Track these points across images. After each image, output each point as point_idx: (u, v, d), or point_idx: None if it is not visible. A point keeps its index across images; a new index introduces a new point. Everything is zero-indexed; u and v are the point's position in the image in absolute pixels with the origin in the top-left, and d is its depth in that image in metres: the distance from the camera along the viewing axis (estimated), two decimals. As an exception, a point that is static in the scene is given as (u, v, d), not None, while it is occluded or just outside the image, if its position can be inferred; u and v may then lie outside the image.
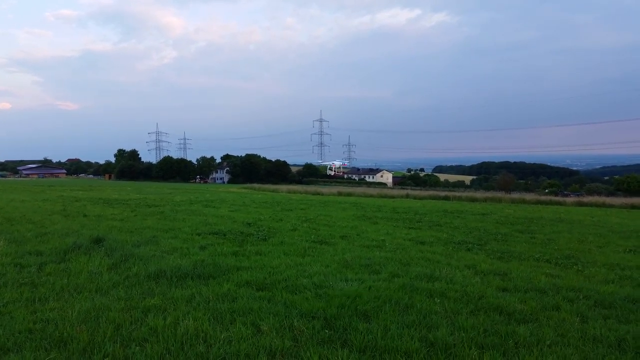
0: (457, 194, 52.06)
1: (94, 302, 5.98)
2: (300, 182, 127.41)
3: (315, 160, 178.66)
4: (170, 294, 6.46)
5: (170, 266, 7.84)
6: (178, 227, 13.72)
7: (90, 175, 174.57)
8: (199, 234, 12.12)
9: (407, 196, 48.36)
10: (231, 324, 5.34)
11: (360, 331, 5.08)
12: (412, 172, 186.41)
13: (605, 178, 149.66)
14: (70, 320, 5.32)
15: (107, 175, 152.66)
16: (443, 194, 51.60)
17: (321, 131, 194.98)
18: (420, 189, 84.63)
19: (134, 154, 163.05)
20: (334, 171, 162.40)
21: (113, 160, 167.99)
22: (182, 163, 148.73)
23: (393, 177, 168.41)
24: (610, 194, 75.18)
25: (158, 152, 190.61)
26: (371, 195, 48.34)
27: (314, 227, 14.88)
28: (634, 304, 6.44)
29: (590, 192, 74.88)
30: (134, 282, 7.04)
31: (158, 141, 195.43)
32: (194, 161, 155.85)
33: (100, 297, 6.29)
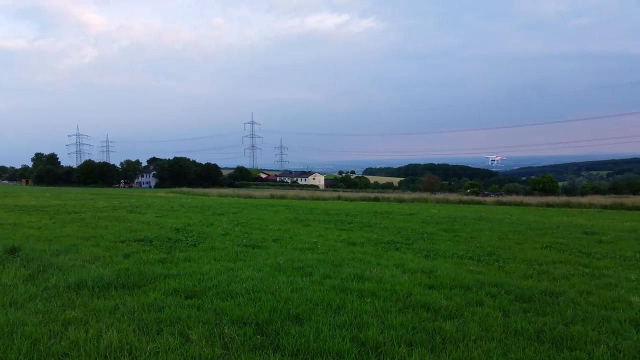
0: (386, 195, 53.50)
1: (8, 317, 5.53)
2: (232, 186, 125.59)
3: (247, 163, 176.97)
4: (93, 305, 6.12)
5: (92, 276, 7.43)
6: (100, 234, 13.05)
7: (6, 181, 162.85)
8: (122, 242, 11.58)
9: (339, 198, 49.04)
10: (158, 334, 5.13)
11: (292, 335, 5.05)
12: (344, 175, 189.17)
13: (523, 178, 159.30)
14: (-23, 340, 4.89)
15: (24, 181, 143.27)
16: (373, 195, 52.85)
17: (252, 134, 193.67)
18: (352, 191, 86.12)
19: (52, 158, 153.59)
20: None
21: (30, 164, 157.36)
22: (105, 167, 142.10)
23: (325, 179, 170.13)
24: (527, 193, 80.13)
25: (79, 155, 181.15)
26: (303, 198, 48.56)
27: (246, 231, 14.69)
28: (551, 297, 6.86)
29: (509, 192, 79.53)
30: (52, 294, 6.60)
31: (79, 144, 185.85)
32: (118, 165, 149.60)
33: (15, 311, 5.84)
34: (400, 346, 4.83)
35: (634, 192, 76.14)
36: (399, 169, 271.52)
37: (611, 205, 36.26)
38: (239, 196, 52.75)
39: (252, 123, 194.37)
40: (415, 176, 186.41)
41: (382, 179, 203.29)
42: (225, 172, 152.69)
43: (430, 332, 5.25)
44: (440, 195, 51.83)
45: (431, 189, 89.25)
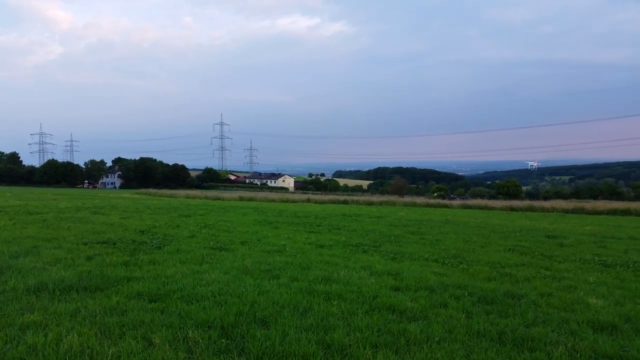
0: (355, 198, 53.84)
1: (-40, 323, 5.32)
2: (200, 187, 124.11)
3: (216, 165, 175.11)
4: (53, 308, 5.94)
5: (53, 278, 7.21)
6: (62, 236, 12.69)
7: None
8: (85, 244, 11.28)
9: (308, 200, 49.07)
10: (120, 338, 5.02)
11: (258, 338, 5.01)
12: (313, 177, 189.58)
13: (488, 182, 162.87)
14: None
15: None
16: (342, 198, 53.12)
17: (222, 135, 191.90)
18: (321, 194, 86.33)
19: (14, 157, 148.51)
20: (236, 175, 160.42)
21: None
22: (69, 167, 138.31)
23: (295, 181, 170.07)
24: (492, 197, 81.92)
25: (42, 154, 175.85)
26: (273, 200, 48.37)
27: (213, 233, 14.52)
28: (513, 299, 7.01)
29: (474, 196, 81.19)
30: (10, 297, 6.37)
31: (42, 143, 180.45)
32: (82, 165, 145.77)
33: (-32, 316, 5.61)
34: (365, 348, 4.85)
35: (595, 197, 78.87)
36: (369, 172, 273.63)
37: (573, 210, 37.41)
38: (207, 198, 52.13)
39: (222, 124, 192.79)
40: (384, 179, 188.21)
41: (352, 182, 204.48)
42: (193, 174, 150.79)
43: (395, 333, 5.29)
44: (408, 199, 52.49)
45: (399, 192, 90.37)
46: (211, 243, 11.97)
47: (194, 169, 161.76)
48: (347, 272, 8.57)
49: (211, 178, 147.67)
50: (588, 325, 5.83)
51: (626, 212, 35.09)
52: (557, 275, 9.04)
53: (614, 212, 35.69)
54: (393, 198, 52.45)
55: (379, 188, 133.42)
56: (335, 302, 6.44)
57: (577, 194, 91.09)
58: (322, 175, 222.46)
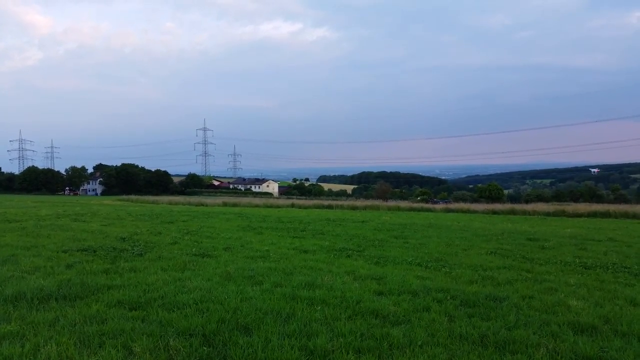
0: (339, 202, 53.87)
1: None
2: (183, 193, 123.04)
3: (200, 170, 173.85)
4: (31, 318, 5.82)
5: (31, 287, 7.08)
6: (42, 243, 12.46)
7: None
8: (65, 251, 11.09)
9: (293, 206, 48.97)
10: (100, 347, 4.93)
11: (240, 345, 4.97)
12: (298, 182, 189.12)
13: (470, 186, 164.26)
14: None
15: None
16: (327, 202, 53.13)
17: (205, 140, 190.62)
18: (305, 199, 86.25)
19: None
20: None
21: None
22: (49, 173, 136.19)
23: (279, 186, 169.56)
24: (474, 200, 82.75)
25: (21, 161, 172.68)
26: (257, 205, 48.15)
27: (196, 239, 14.39)
28: (495, 302, 7.06)
29: (457, 200, 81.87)
30: (-14, 308, 6.24)
31: (21, 149, 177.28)
32: (63, 171, 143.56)
33: (-59, 327, 5.47)
34: (348, 353, 4.84)
35: (575, 200, 79.99)
36: (353, 176, 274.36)
37: (554, 213, 37.88)
38: (190, 204, 51.71)
39: (205, 129, 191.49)
40: (368, 184, 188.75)
41: (336, 187, 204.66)
42: (176, 179, 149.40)
43: (379, 338, 5.29)
44: (392, 203, 52.67)
45: (383, 196, 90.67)
46: (194, 250, 11.86)
47: (177, 175, 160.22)
48: (331, 277, 8.55)
49: (194, 184, 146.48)
50: (569, 327, 5.89)
51: (606, 215, 35.66)
52: (539, 278, 9.14)
53: (594, 214, 36.24)
54: (377, 202, 52.60)
55: (363, 192, 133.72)
56: (319, 308, 6.42)
57: (558, 197, 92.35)
58: (307, 180, 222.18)
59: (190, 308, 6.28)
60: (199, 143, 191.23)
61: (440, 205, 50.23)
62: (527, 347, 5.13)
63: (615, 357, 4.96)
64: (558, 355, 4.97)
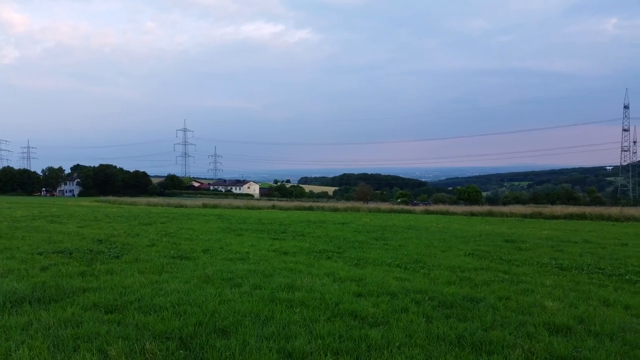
0: (320, 204, 53.87)
1: None
2: (162, 195, 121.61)
3: (179, 172, 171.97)
4: (3, 322, 5.69)
5: (4, 290, 6.92)
6: (16, 245, 12.20)
7: None
8: (40, 254, 10.87)
9: (274, 207, 48.80)
10: (75, 351, 4.84)
11: (217, 348, 4.93)
12: (279, 184, 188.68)
13: (449, 188, 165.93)
14: None
15: None
16: (308, 204, 53.04)
17: (185, 141, 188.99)
18: (287, 200, 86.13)
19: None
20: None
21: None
22: (25, 174, 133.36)
23: (260, 188, 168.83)
24: (453, 202, 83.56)
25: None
26: (237, 207, 47.87)
27: (174, 241, 14.23)
28: (472, 303, 7.13)
29: (437, 201, 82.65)
30: (-45, 313, 6.07)
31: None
32: (39, 172, 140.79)
33: None
34: (326, 355, 4.84)
35: (552, 202, 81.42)
36: (334, 178, 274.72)
37: (531, 214, 38.44)
38: (169, 205, 51.17)
39: (185, 130, 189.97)
40: (350, 186, 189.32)
41: (317, 188, 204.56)
42: (155, 181, 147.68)
43: (357, 340, 5.29)
44: (372, 205, 52.93)
45: (364, 198, 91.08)
46: (172, 252, 11.73)
47: (156, 176, 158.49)
48: (311, 279, 8.54)
49: (174, 185, 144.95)
50: (544, 328, 5.97)
51: (582, 217, 36.32)
52: (515, 279, 9.26)
53: (570, 216, 36.87)
54: (358, 204, 52.81)
55: (344, 194, 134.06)
56: (298, 310, 6.41)
57: (535, 199, 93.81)
58: (288, 181, 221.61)
59: (168, 311, 6.20)
60: (179, 144, 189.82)
61: (420, 207, 50.61)
62: (503, 348, 5.19)
63: (588, 356, 5.04)
64: (533, 355, 5.03)
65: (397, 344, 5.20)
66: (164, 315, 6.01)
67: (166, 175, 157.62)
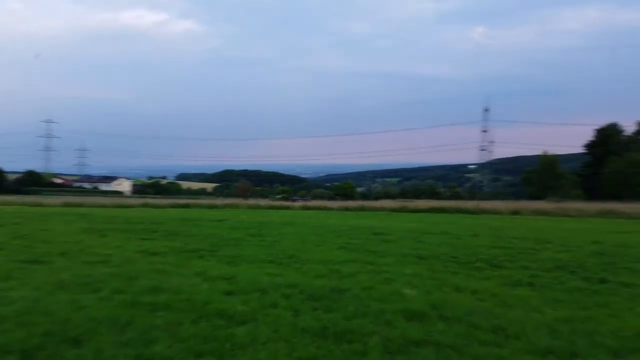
0: (198, 201, 52.51)
1: None
2: (19, 192, 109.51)
3: (41, 167, 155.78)
4: None
5: None
6: None
7: None
8: None
9: (146, 205, 46.41)
10: None
11: (67, 359, 4.54)
12: (154, 180, 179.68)
13: (328, 184, 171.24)
14: None
15: None
16: (184, 202, 51.33)
17: (49, 133, 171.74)
18: (162, 197, 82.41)
19: None
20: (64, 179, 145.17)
21: None
22: None
23: (133, 185, 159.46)
24: (330, 198, 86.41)
25: None
26: (104, 205, 44.64)
27: (27, 244, 12.86)
28: (338, 294, 7.38)
29: (315, 197, 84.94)
30: None
31: None
32: None
33: None
34: (188, 358, 4.70)
35: (418, 197, 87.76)
36: (214, 174, 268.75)
37: (398, 209, 41.13)
38: (24, 204, 46.18)
39: (49, 122, 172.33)
40: (230, 182, 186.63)
41: (196, 185, 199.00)
42: (11, 177, 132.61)
43: (222, 339, 5.21)
44: (252, 201, 52.83)
45: (244, 194, 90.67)
46: (23, 256, 10.59)
47: (14, 172, 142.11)
48: (179, 279, 8.26)
49: (33, 182, 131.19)
50: (401, 315, 6.35)
51: (442, 210, 39.72)
52: (379, 269, 9.78)
53: (432, 210, 40.12)
54: (237, 201, 52.31)
55: (225, 191, 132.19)
56: (161, 313, 6.14)
57: (403, 194, 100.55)
58: (164, 178, 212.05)
59: (10, 322, 5.58)
60: (41, 136, 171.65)
61: (299, 203, 51.55)
62: (362, 336, 5.44)
63: (438, 339, 5.46)
64: (390, 341, 5.34)
65: (262, 340, 5.21)
66: (5, 327, 5.40)
67: (24, 170, 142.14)
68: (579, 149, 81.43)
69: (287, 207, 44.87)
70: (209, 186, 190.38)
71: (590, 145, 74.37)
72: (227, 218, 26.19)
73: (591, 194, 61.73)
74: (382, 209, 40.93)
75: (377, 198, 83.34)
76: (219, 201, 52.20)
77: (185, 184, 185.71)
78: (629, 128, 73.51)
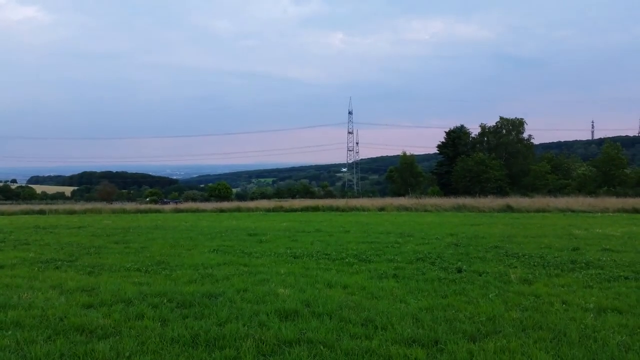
0: (54, 207, 47.96)
1: None
2: None
3: None
4: None
5: None
6: None
7: None
8: None
9: (-9, 213, 41.14)
10: None
11: None
12: (2, 184, 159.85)
13: (201, 186, 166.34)
14: None
15: None
16: (38, 207, 46.73)
17: None
18: (11, 203, 73.99)
19: None
20: None
21: None
22: None
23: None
24: (204, 200, 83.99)
25: None
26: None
27: None
28: (210, 299, 7.20)
29: (188, 199, 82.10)
30: None
31: None
32: None
33: None
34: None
35: (293, 196, 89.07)
36: (72, 177, 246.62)
37: (274, 209, 41.37)
38: None
39: None
40: (91, 185, 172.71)
41: (52, 189, 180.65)
42: None
43: (81, 356, 4.81)
44: (117, 205, 49.42)
45: (108, 198, 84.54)
46: None
47: None
48: (32, 293, 7.47)
49: None
50: (275, 315, 6.38)
51: (316, 209, 40.76)
52: (254, 270, 9.74)
53: (306, 208, 41.00)
54: (99, 205, 48.63)
55: (85, 195, 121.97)
56: (10, 332, 5.50)
57: (278, 194, 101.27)
58: (14, 181, 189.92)
59: None
60: None
61: (169, 206, 49.46)
62: (235, 340, 5.35)
63: (311, 336, 5.55)
64: (263, 343, 5.31)
65: (127, 354, 4.88)
66: None
67: None
68: (434, 149, 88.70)
69: (158, 211, 42.79)
70: (67, 190, 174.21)
71: (442, 146, 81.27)
72: (88, 224, 24.24)
73: (446, 190, 67.72)
74: (257, 210, 40.84)
75: (252, 198, 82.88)
76: (79, 206, 48.04)
77: (39, 188, 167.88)
78: (474, 130, 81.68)
